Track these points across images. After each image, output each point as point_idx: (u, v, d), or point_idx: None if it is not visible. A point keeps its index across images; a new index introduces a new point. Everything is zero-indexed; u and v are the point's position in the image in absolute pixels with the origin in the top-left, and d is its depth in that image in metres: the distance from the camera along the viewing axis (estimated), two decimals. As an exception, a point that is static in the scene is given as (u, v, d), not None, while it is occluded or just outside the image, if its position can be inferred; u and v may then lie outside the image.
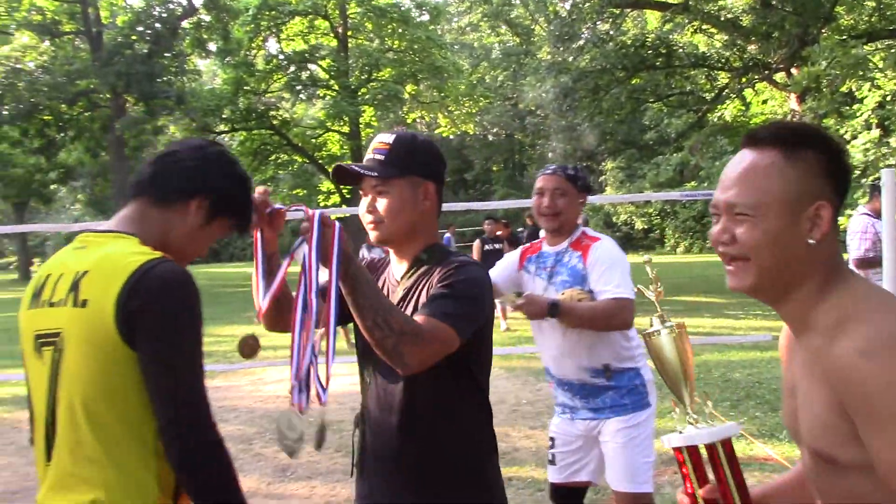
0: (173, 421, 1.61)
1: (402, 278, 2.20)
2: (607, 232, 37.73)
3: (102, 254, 1.70)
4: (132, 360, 1.61)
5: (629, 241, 38.13)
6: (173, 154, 1.88)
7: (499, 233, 13.66)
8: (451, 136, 45.90)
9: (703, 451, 1.50)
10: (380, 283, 2.24)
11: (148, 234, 1.79)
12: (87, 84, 31.70)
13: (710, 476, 1.49)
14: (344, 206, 35.02)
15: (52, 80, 30.70)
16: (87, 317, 1.63)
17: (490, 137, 49.06)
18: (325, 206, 38.78)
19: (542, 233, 12.93)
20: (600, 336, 3.20)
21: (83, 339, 1.63)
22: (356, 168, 2.11)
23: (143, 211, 1.82)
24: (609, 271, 3.15)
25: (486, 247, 13.02)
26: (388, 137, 2.15)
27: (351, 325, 2.08)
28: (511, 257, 3.56)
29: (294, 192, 39.00)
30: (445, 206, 7.92)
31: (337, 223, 1.85)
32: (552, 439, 3.47)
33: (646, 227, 38.69)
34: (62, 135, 33.78)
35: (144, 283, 1.62)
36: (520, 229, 19.70)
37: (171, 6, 33.27)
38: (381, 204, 2.11)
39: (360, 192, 2.17)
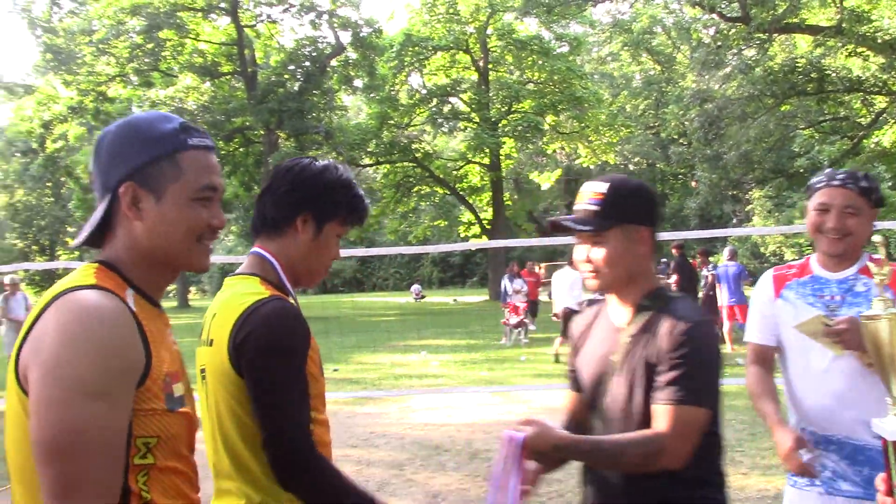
0: (269, 438, 1.79)
1: (627, 325, 2.19)
2: (754, 263, 36.48)
3: (227, 296, 1.95)
4: (244, 389, 1.82)
5: (778, 273, 36.64)
6: (269, 187, 2.06)
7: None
8: (592, 167, 45.62)
9: None
10: (594, 328, 2.33)
11: (269, 270, 2.00)
12: (243, 121, 33.48)
13: None
14: (485, 238, 35.32)
15: (212, 118, 32.52)
16: (213, 353, 1.89)
17: (631, 167, 48.39)
18: (466, 237, 39.22)
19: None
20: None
21: (212, 372, 1.89)
22: (571, 224, 2.16)
23: (263, 249, 2.04)
24: None
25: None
26: (602, 186, 2.17)
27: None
28: (762, 290, 2.89)
29: (435, 223, 39.69)
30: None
31: (516, 440, 1.96)
32: None
33: (796, 257, 37.13)
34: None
35: (249, 320, 1.82)
36: (662, 259, 19.35)
37: (321, 45, 34.77)
38: (598, 254, 2.15)
39: (576, 239, 2.23)
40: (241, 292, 1.90)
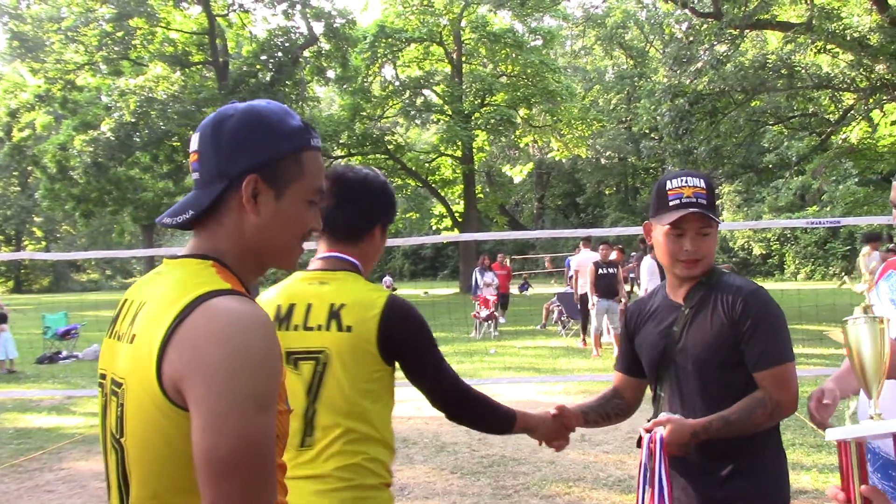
0: (439, 394, 2.30)
1: (685, 299, 2.46)
2: (723, 257, 36.79)
3: (351, 290, 2.26)
4: (386, 370, 2.21)
5: (746, 268, 37.06)
6: (349, 198, 2.32)
7: (612, 257, 13.56)
8: (564, 160, 45.74)
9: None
10: (652, 310, 2.57)
11: (361, 264, 2.36)
12: (213, 111, 33.11)
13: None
14: (457, 231, 35.32)
15: (182, 108, 32.14)
16: (349, 340, 2.18)
17: (603, 161, 48.67)
18: (437, 230, 39.23)
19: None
20: None
21: (346, 357, 2.18)
22: (711, 215, 2.37)
23: (344, 254, 2.34)
24: None
25: (601, 271, 12.95)
26: (700, 182, 2.41)
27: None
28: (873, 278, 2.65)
29: (407, 215, 39.63)
30: (556, 233, 8.01)
31: (657, 437, 2.26)
32: None
33: (764, 252, 37.56)
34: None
35: (393, 315, 2.21)
36: (633, 254, 19.45)
37: (293, 36, 34.51)
38: (705, 244, 2.40)
39: (673, 231, 2.40)
40: (366, 288, 2.27)
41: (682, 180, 2.41)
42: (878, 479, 2.41)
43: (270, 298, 2.33)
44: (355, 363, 2.18)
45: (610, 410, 2.70)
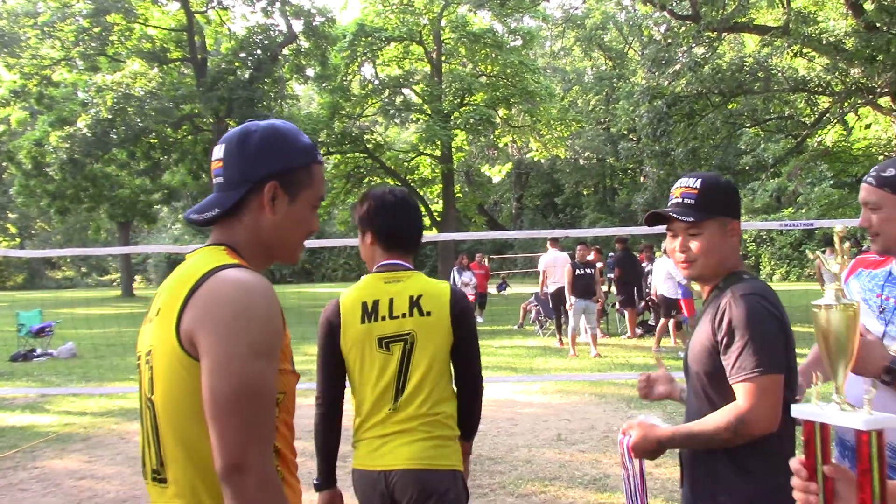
0: (473, 374, 2.85)
1: (704, 303, 2.44)
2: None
3: (423, 284, 2.82)
4: (451, 345, 2.78)
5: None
6: (416, 214, 2.94)
7: (590, 257, 13.62)
8: (542, 160, 45.83)
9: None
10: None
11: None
12: (192, 109, 32.92)
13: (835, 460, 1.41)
14: (435, 231, 35.32)
15: (159, 104, 31.88)
16: (430, 322, 2.75)
17: (581, 162, 48.77)
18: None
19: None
20: None
21: (428, 335, 2.74)
22: (674, 214, 2.33)
23: (405, 261, 2.90)
24: None
25: (578, 271, 13.00)
26: (695, 182, 2.36)
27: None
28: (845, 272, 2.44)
29: (386, 214, 39.48)
30: (534, 233, 8.04)
31: (626, 441, 2.38)
32: None
33: (740, 253, 37.82)
34: (166, 157, 35.09)
35: (457, 300, 2.81)
36: (610, 254, 19.54)
37: (272, 34, 34.35)
38: (694, 244, 2.35)
39: (668, 232, 2.44)
40: (434, 281, 2.86)
41: (680, 181, 2.42)
42: None
43: (355, 297, 2.79)
44: (435, 340, 2.74)
45: None
